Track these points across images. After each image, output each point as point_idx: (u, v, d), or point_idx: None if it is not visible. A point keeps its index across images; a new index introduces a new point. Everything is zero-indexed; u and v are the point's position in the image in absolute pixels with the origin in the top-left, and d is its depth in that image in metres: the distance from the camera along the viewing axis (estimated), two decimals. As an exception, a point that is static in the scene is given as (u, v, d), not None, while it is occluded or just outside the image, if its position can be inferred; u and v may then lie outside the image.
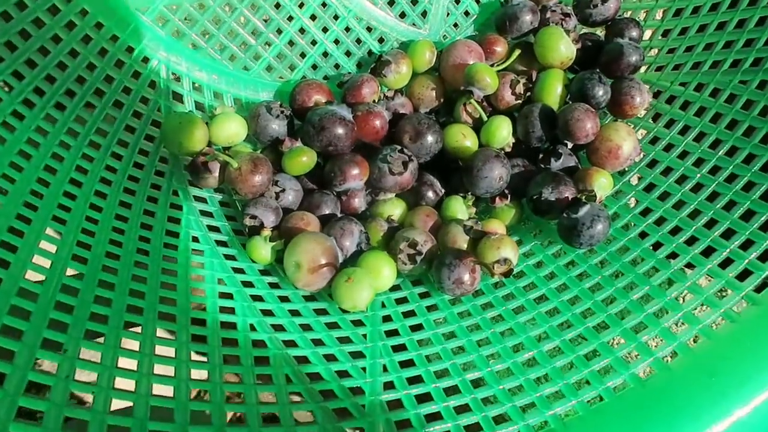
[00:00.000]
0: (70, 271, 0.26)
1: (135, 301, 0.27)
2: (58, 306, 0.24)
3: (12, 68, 0.30)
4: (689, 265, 0.32)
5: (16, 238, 0.25)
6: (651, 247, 0.33)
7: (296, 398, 0.26)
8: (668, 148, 0.37)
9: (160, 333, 0.26)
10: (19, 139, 0.29)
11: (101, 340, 0.24)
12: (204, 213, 0.35)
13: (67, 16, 0.32)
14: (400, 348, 0.31)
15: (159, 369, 0.25)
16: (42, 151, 0.30)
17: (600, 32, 0.42)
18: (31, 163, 0.29)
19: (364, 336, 0.31)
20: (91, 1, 0.33)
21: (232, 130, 0.35)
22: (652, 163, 0.37)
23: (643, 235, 0.34)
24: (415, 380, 0.29)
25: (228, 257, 0.33)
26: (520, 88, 0.38)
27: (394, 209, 0.37)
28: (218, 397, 0.25)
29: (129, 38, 0.34)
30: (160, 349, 0.25)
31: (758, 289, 0.29)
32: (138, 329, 0.26)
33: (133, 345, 0.25)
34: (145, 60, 0.35)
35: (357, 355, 0.30)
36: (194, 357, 0.26)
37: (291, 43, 0.38)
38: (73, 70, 0.32)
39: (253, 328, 0.29)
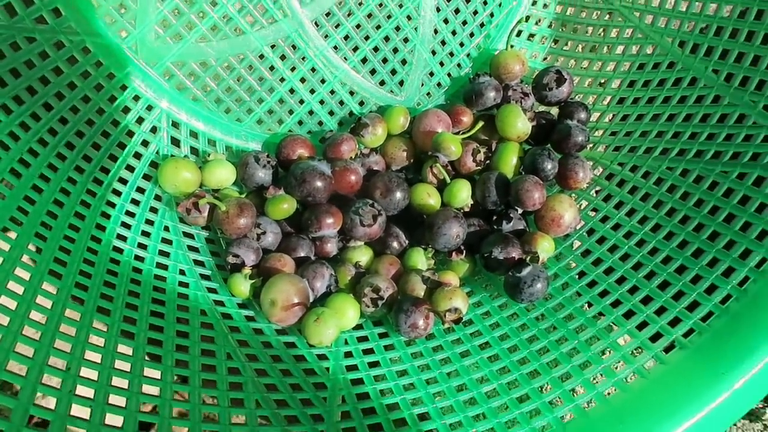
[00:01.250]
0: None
1: (128, 327, 0.30)
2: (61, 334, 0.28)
3: (31, 110, 0.34)
4: (612, 325, 0.37)
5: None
6: (583, 306, 0.39)
7: (264, 422, 0.30)
8: (604, 219, 0.42)
9: (148, 357, 0.30)
10: (33, 175, 0.33)
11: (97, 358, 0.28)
12: (191, 248, 0.39)
13: (83, 66, 0.36)
14: (358, 382, 0.35)
15: (146, 389, 0.28)
16: (51, 186, 0.33)
17: (554, 111, 0.48)
18: (42, 197, 0.32)
19: (327, 369, 0.35)
20: (106, 54, 0.37)
21: (223, 175, 0.40)
22: (591, 231, 0.43)
23: (577, 294, 0.39)
24: (369, 411, 0.33)
25: (210, 290, 0.37)
26: (480, 157, 0.44)
27: (362, 256, 0.41)
28: (197, 418, 0.28)
29: (137, 88, 0.38)
30: (147, 371, 0.29)
31: (666, 350, 0.35)
32: (129, 350, 0.30)
33: (125, 366, 0.29)
34: (149, 108, 0.39)
35: (320, 386, 0.34)
36: (176, 380, 0.30)
37: (281, 100, 0.43)
38: (84, 113, 0.36)
39: (229, 356, 0.33)
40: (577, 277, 0.40)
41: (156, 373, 0.29)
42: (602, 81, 0.47)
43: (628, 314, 0.37)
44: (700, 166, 0.40)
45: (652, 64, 0.45)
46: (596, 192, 0.45)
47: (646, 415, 0.32)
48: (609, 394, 0.33)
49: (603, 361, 0.35)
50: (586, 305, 0.38)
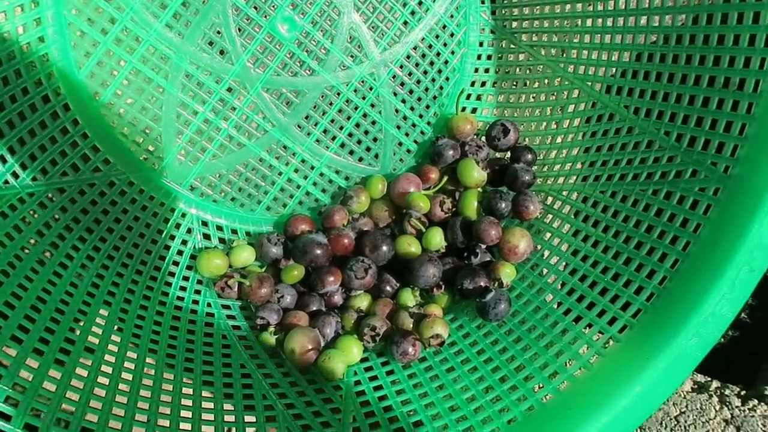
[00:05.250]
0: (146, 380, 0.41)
1: (187, 386, 0.42)
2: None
3: (100, 235, 0.46)
4: (565, 330, 0.45)
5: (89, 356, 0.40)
6: (542, 317, 0.47)
7: (294, 442, 0.41)
8: (556, 241, 0.51)
9: (205, 404, 0.41)
10: (107, 283, 0.45)
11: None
12: (229, 316, 0.50)
13: (130, 195, 0.49)
14: (365, 403, 0.45)
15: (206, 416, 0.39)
16: (120, 289, 0.45)
17: (507, 156, 0.57)
18: (115, 298, 0.44)
19: (341, 396, 0.45)
20: (145, 183, 0.49)
21: (245, 256, 0.51)
22: (544, 254, 0.51)
23: (537, 308, 0.48)
24: (375, 425, 0.43)
25: (247, 347, 0.48)
26: (447, 206, 0.53)
27: (363, 302, 0.51)
28: (242, 445, 0.39)
29: (172, 203, 0.51)
30: (205, 416, 0.40)
31: (605, 345, 0.43)
32: (189, 402, 0.41)
33: (187, 413, 0.40)
34: (183, 215, 0.51)
35: (335, 410, 0.44)
36: (227, 418, 0.41)
37: (282, 189, 0.54)
38: (136, 230, 0.49)
39: (264, 396, 0.44)
40: (536, 293, 0.49)
41: (210, 416, 0.40)
42: (544, 123, 0.56)
43: (577, 319, 0.45)
44: (623, 187, 0.48)
45: (580, 106, 0.54)
46: (548, 219, 0.54)
47: (590, 400, 0.39)
48: (562, 387, 0.42)
49: (558, 360, 0.43)
50: (544, 316, 0.47)
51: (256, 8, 0.49)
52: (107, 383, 0.38)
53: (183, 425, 0.38)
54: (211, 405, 0.41)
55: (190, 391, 0.41)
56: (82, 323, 0.40)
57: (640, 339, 0.42)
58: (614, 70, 0.51)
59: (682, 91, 0.45)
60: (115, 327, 0.42)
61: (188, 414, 0.39)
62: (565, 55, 0.55)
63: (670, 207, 0.44)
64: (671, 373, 0.39)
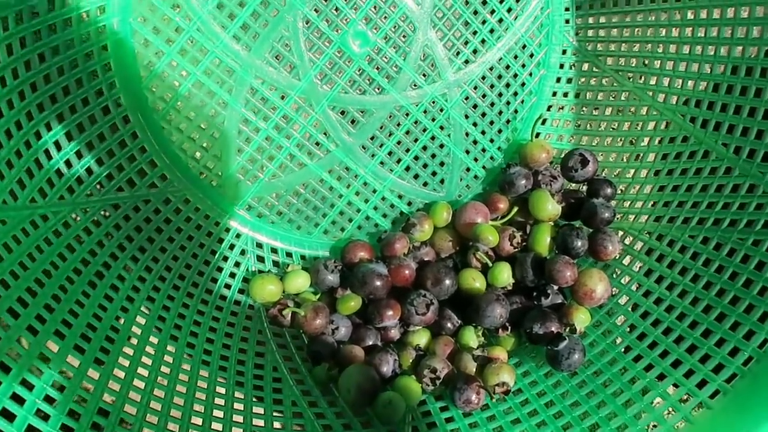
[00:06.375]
0: (197, 406, 0.38)
1: (237, 426, 0.39)
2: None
3: (152, 255, 0.44)
4: (646, 388, 0.41)
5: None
6: (620, 371, 0.43)
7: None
8: (637, 287, 0.47)
9: (254, 448, 0.38)
10: (159, 305, 0.42)
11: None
12: (280, 345, 0.47)
13: (185, 213, 0.47)
14: (424, 454, 0.42)
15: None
16: (171, 313, 0.43)
17: (583, 188, 0.53)
18: (166, 324, 0.42)
19: (398, 444, 0.42)
20: (201, 201, 0.47)
21: (300, 282, 0.48)
22: (621, 300, 0.47)
23: (613, 360, 0.44)
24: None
25: (298, 381, 0.45)
26: (516, 240, 0.50)
27: (421, 338, 0.48)
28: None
29: (227, 222, 0.48)
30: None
31: (692, 410, 0.39)
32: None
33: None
34: (238, 236, 0.49)
35: (392, 459, 0.41)
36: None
37: (341, 212, 0.51)
38: (189, 249, 0.46)
39: (317, 440, 0.41)
40: (613, 343, 0.45)
41: (261, 461, 0.38)
42: (625, 155, 0.52)
43: (660, 377, 0.41)
44: (717, 233, 0.44)
45: (668, 139, 0.49)
46: (626, 261, 0.49)
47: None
48: (644, 455, 0.38)
49: (638, 423, 0.40)
50: (622, 370, 0.43)
51: (327, 21, 0.46)
52: (159, 408, 0.36)
53: None
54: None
55: (240, 430, 0.38)
56: (132, 352, 0.38)
57: (736, 408, 0.38)
58: (713, 103, 0.46)
59: (794, 133, 0.41)
60: (164, 356, 0.40)
61: None
62: (655, 83, 0.50)
63: (773, 260, 0.40)
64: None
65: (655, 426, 0.39)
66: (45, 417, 0.30)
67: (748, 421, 0.36)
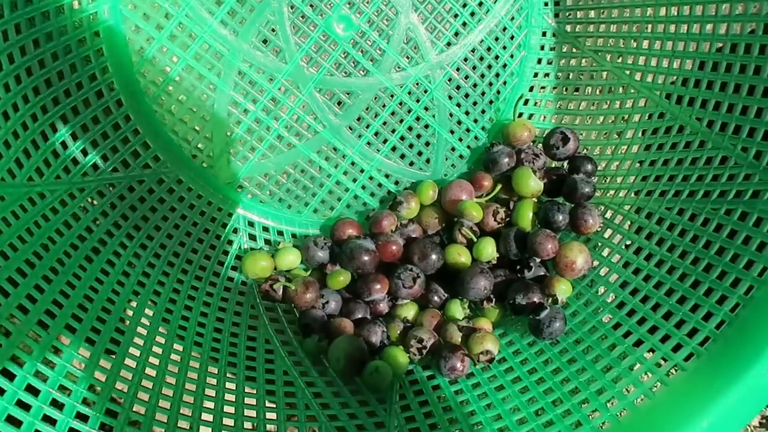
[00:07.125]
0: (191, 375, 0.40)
1: (229, 392, 0.41)
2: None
3: (147, 233, 0.46)
4: (624, 354, 0.43)
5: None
6: (599, 338, 0.45)
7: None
8: (618, 258, 0.48)
9: (248, 412, 0.40)
10: (153, 281, 0.44)
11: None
12: (272, 319, 0.49)
13: (179, 193, 0.48)
14: (410, 419, 0.43)
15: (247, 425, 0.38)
16: (166, 288, 0.45)
17: (565, 165, 0.54)
18: (161, 298, 0.44)
19: (385, 410, 0.44)
20: (194, 181, 0.49)
21: (291, 259, 0.50)
22: (602, 271, 0.49)
23: (593, 329, 0.46)
24: (420, 444, 0.42)
25: (290, 353, 0.47)
26: (500, 216, 0.51)
27: (409, 311, 0.50)
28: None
29: (219, 202, 0.50)
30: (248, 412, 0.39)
31: (668, 373, 0.40)
32: (232, 410, 0.40)
33: (230, 409, 0.39)
34: (230, 215, 0.50)
35: (379, 425, 0.42)
36: (269, 415, 0.40)
37: (330, 192, 0.53)
38: (183, 228, 0.48)
39: (307, 406, 0.42)
40: (594, 312, 0.47)
41: (252, 413, 0.39)
42: (605, 133, 0.54)
43: (638, 343, 0.43)
44: (692, 204, 0.45)
45: (646, 116, 0.51)
46: (607, 234, 0.51)
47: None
48: (621, 414, 0.39)
49: (616, 386, 0.41)
50: (602, 337, 0.45)
51: (312, 6, 0.48)
52: (154, 375, 0.38)
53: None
54: (253, 413, 0.40)
55: (233, 397, 0.40)
56: (128, 323, 0.40)
57: (709, 369, 0.39)
58: (686, 79, 0.48)
59: (763, 105, 0.42)
60: (160, 328, 0.42)
61: (230, 416, 0.39)
62: (632, 62, 0.52)
63: (745, 229, 0.41)
64: (742, 408, 0.37)
65: (631, 387, 0.41)
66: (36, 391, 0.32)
67: (721, 381, 0.37)
